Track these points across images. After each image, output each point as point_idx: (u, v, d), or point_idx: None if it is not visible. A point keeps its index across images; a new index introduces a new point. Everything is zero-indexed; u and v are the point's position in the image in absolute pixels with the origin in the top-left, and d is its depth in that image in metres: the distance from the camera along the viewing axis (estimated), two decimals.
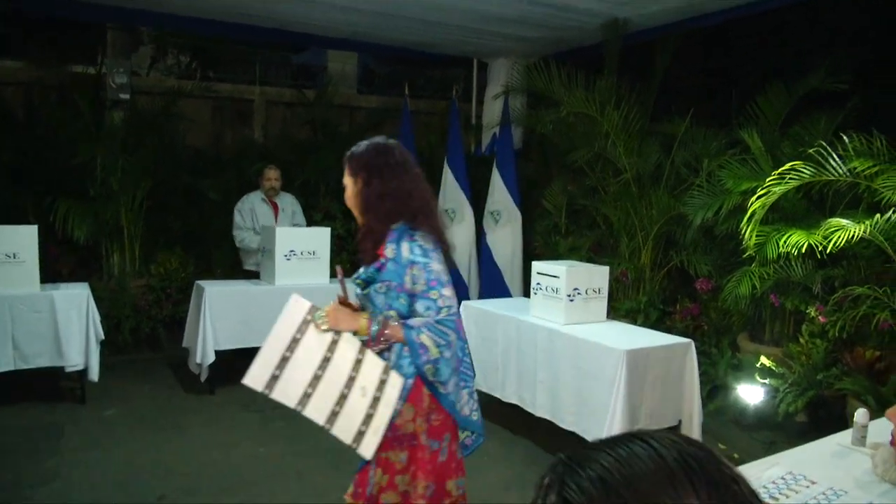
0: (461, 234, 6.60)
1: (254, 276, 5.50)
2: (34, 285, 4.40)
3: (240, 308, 4.90)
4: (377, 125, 7.87)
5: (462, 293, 6.49)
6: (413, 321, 1.97)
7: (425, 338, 1.95)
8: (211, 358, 4.75)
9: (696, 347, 3.77)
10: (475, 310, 4.55)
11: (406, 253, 2.00)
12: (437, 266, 2.01)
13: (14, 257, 4.32)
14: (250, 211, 5.57)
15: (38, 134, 6.02)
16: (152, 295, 6.05)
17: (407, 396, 1.99)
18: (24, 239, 4.34)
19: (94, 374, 4.52)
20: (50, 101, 6.18)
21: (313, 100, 7.67)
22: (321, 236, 5.30)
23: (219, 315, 4.82)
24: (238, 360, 5.42)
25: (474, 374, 2.20)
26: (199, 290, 5.01)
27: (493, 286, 6.50)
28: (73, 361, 4.45)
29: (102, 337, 4.62)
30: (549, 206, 6.59)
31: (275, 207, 5.66)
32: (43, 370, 4.47)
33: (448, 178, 6.67)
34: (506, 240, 6.55)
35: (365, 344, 1.96)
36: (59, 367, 4.46)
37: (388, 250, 2.01)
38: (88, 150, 5.81)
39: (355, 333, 1.97)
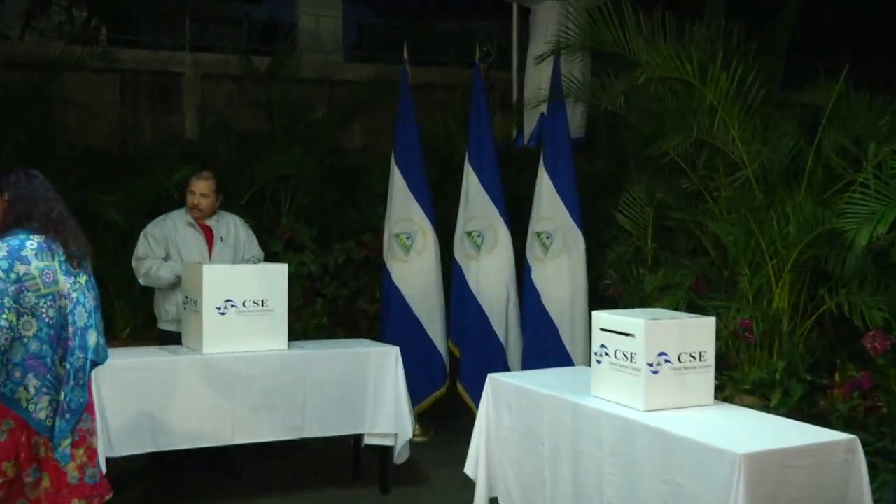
0: (492, 269, 6.50)
1: (174, 339, 5.43)
2: None
3: (147, 391, 4.82)
4: (364, 106, 7.74)
5: (497, 360, 6.38)
6: None
7: None
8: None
9: (868, 444, 3.63)
10: (507, 387, 4.36)
11: None
12: None
13: None
14: (165, 240, 5.49)
15: None
16: None
17: None
18: None
19: None
20: None
21: (269, 71, 7.57)
22: (274, 277, 5.21)
23: (114, 403, 4.73)
24: (151, 471, 5.31)
25: (67, 385, 3.45)
26: None
27: (543, 348, 6.35)
28: None
29: None
30: (626, 224, 6.44)
31: (208, 234, 5.56)
32: None
33: (471, 182, 6.56)
34: (562, 276, 6.41)
35: None
36: None
37: None
38: None
39: None
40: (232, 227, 5.66)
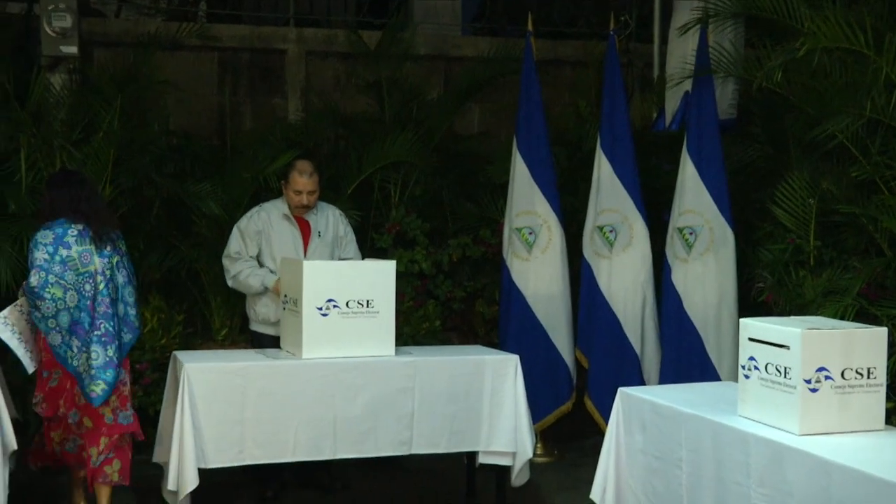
0: (627, 269, 6.45)
1: (265, 341, 5.60)
2: None
3: (242, 398, 4.92)
4: (484, 85, 7.73)
5: (631, 372, 6.34)
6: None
7: (23, 300, 4.82)
8: (192, 483, 4.75)
9: None
10: (641, 402, 4.31)
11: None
12: (35, 253, 4.72)
13: None
14: (259, 235, 5.64)
15: None
16: None
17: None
18: None
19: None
20: None
21: (380, 47, 7.66)
22: (382, 275, 5.27)
23: (207, 410, 4.85)
24: (245, 486, 5.44)
25: (96, 348, 4.82)
26: (176, 366, 5.06)
27: (684, 359, 6.28)
28: None
29: (14, 446, 4.62)
30: (784, 218, 6.27)
31: (304, 228, 5.67)
32: None
33: (603, 171, 6.51)
34: (707, 278, 6.32)
35: None
36: None
37: None
38: (5, 139, 6.04)
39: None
40: (331, 221, 5.77)
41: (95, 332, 4.81)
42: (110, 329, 4.85)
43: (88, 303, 4.79)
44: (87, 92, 6.60)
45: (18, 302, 4.89)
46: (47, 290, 4.68)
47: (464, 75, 8.05)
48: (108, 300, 4.86)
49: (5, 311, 4.83)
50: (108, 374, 4.83)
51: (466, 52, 8.65)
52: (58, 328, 4.75)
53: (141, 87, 6.71)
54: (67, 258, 4.76)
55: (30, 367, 4.89)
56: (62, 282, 4.72)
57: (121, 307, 4.96)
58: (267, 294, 5.55)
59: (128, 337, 4.99)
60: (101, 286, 4.84)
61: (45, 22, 6.52)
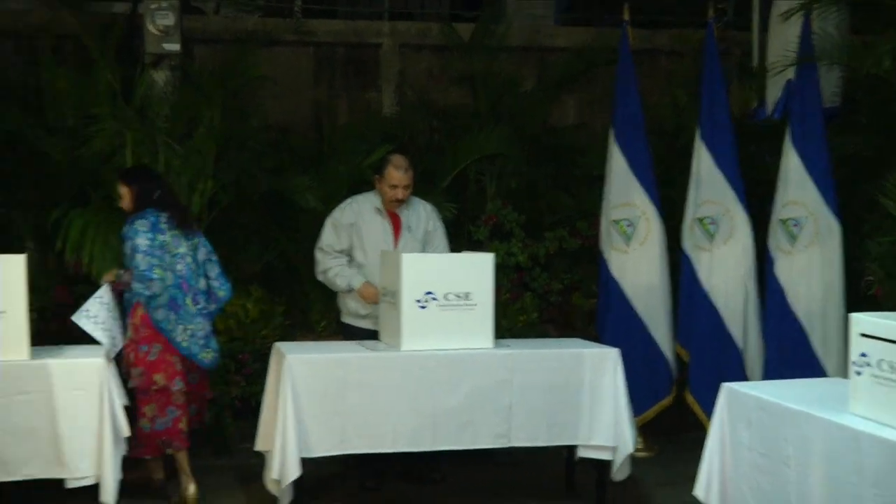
0: (728, 261, 6.35)
1: (354, 333, 5.65)
2: (21, 349, 4.67)
3: (342, 389, 4.97)
4: (579, 76, 7.68)
5: (733, 367, 6.25)
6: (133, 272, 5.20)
7: (134, 283, 5.17)
8: (295, 471, 4.80)
9: None
10: (746, 398, 4.23)
11: (125, 229, 5.32)
12: (137, 240, 5.18)
13: None
14: (351, 227, 5.66)
15: (34, 110, 6.44)
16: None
17: (129, 314, 5.30)
18: (6, 275, 4.60)
19: (110, 495, 4.62)
20: (58, 58, 6.64)
21: (474, 39, 7.67)
22: (479, 268, 5.27)
23: (308, 401, 4.91)
24: (346, 478, 5.48)
25: (199, 321, 5.34)
26: (278, 357, 5.14)
27: (789, 355, 6.16)
28: (79, 471, 4.60)
29: (127, 433, 4.78)
30: (893, 210, 6.08)
31: (395, 222, 5.70)
32: (33, 484, 4.64)
33: (703, 162, 6.42)
34: (812, 271, 6.19)
35: (115, 285, 5.24)
36: (58, 481, 4.63)
37: None
38: (112, 135, 6.14)
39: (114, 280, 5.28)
40: (423, 216, 5.76)
41: (197, 307, 5.34)
42: (202, 303, 5.39)
43: (181, 281, 5.29)
44: (188, 88, 6.74)
45: (98, 293, 5.20)
46: (155, 270, 5.15)
47: (558, 66, 8.04)
48: (196, 277, 5.38)
49: (86, 304, 5.15)
50: (213, 342, 5.44)
51: (560, 42, 8.61)
52: (161, 305, 5.20)
53: (239, 82, 6.82)
54: (163, 242, 5.23)
55: (111, 352, 5.11)
56: (163, 263, 5.20)
57: (203, 282, 5.44)
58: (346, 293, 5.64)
59: (212, 307, 5.50)
60: (191, 265, 5.36)
61: (149, 20, 6.67)
